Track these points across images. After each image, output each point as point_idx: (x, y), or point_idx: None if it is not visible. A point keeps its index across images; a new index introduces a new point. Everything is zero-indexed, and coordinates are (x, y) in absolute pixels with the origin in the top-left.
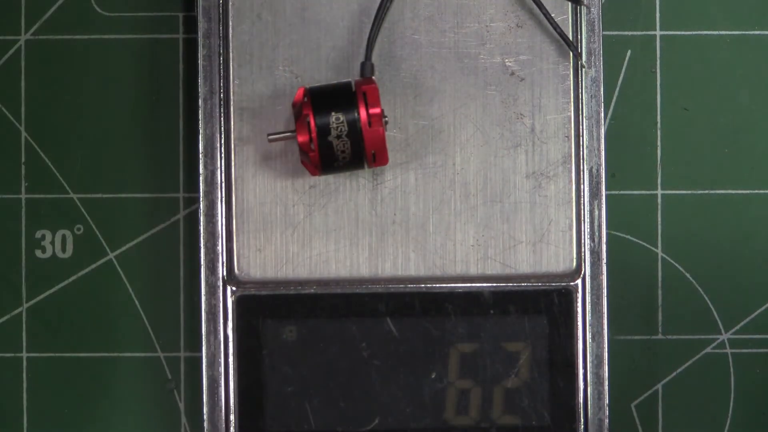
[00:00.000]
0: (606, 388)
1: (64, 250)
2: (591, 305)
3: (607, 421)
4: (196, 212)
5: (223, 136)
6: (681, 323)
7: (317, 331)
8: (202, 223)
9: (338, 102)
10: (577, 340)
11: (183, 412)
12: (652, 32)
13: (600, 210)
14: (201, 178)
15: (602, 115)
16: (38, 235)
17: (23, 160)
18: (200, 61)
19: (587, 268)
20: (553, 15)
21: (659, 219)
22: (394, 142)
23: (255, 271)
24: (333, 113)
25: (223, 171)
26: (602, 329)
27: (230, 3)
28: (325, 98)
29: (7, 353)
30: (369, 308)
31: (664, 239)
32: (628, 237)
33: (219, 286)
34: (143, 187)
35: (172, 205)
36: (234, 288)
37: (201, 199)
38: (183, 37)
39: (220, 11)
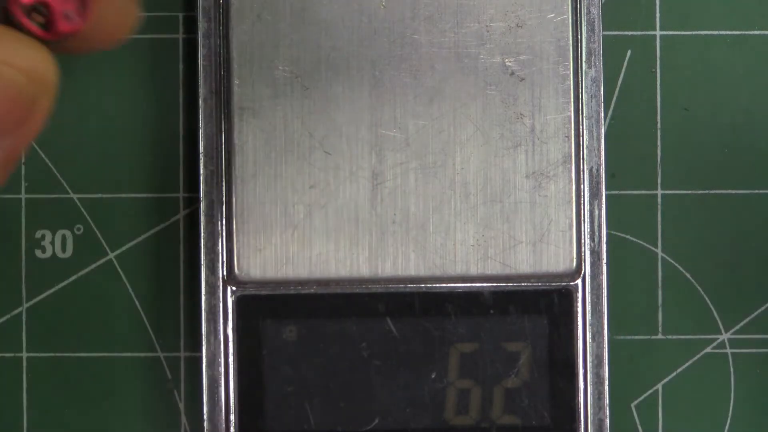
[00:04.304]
0: (606, 388)
1: (64, 250)
2: (591, 305)
3: (607, 421)
4: (196, 212)
5: (223, 136)
6: (681, 323)
7: (317, 331)
8: (202, 223)
9: None
10: (577, 340)
11: (183, 412)
12: (652, 32)
13: (600, 210)
14: (201, 178)
15: (602, 115)
16: (38, 235)
17: (23, 160)
18: (200, 61)
19: (587, 268)
20: (552, 15)
21: (659, 219)
22: (394, 142)
23: (255, 271)
24: None
25: (223, 171)
26: (602, 329)
27: (230, 3)
28: None
29: (7, 353)
30: (369, 308)
31: (664, 239)
32: (628, 237)
33: (219, 286)
34: (143, 187)
35: (172, 205)
36: (234, 288)
37: (201, 199)
38: (183, 37)
39: (220, 11)
